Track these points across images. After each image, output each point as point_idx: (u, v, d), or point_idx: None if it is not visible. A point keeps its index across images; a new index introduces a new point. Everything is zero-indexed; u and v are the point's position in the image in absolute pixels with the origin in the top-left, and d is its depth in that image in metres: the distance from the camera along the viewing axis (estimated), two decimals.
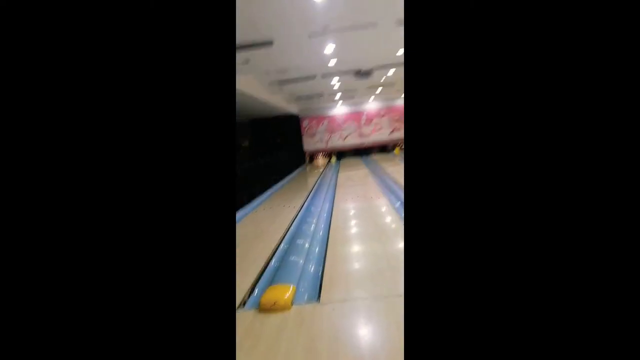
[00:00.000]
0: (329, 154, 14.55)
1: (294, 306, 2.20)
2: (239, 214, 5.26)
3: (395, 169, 8.55)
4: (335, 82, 8.81)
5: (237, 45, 4.73)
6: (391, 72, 8.29)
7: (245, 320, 2.10)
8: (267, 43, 4.75)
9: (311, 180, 9.02)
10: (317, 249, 3.37)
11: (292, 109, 12.39)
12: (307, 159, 14.28)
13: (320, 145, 14.45)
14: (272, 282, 2.65)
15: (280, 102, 10.42)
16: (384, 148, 14.44)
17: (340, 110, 14.22)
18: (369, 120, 14.28)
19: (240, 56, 5.22)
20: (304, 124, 14.30)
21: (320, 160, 14.39)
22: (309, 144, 14.37)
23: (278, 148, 11.69)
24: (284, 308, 2.17)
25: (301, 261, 3.03)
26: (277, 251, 3.43)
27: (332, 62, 6.73)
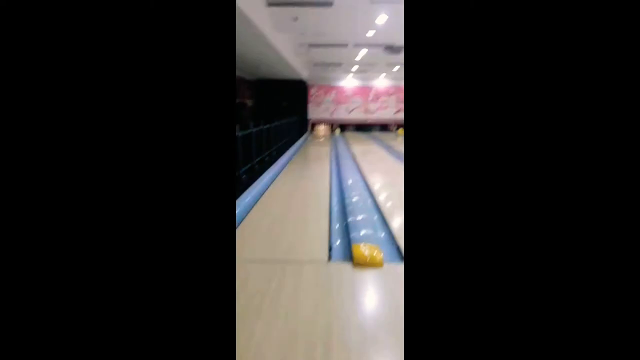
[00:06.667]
0: (331, 126, 14.52)
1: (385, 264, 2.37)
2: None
3: None
4: (362, 54, 8.70)
5: (296, 2, 4.59)
6: None
7: (347, 271, 2.26)
8: (328, 3, 4.63)
9: (324, 150, 9.05)
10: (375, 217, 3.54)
11: (303, 74, 12.13)
12: (310, 128, 14.21)
13: (325, 116, 14.37)
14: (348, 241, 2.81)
15: (298, 66, 10.18)
16: (385, 127, 14.56)
17: (349, 82, 14.07)
18: (377, 97, 14.27)
19: (291, 12, 5.06)
20: (312, 91, 14.09)
21: (322, 131, 14.34)
22: (314, 113, 14.24)
23: (283, 112, 11.51)
24: (377, 265, 2.33)
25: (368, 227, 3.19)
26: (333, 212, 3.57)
27: (370, 33, 6.65)
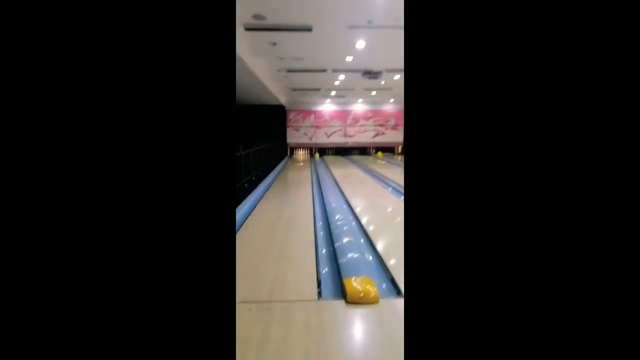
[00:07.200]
0: (311, 150, 14.49)
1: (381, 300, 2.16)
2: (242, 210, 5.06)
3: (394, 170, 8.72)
4: (340, 78, 8.78)
5: (275, 27, 4.54)
6: (397, 76, 8.44)
7: (338, 310, 2.03)
8: (307, 29, 4.61)
9: (305, 174, 8.91)
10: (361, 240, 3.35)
11: (281, 99, 12.14)
12: (289, 153, 14.11)
13: (304, 140, 14.34)
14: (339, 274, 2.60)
15: (276, 91, 10.16)
16: (364, 150, 14.68)
17: (327, 107, 14.21)
18: (355, 121, 14.44)
19: (269, 36, 5.02)
20: (290, 116, 14.09)
21: (301, 155, 14.27)
22: (292, 137, 14.19)
23: (262, 138, 11.36)
24: (372, 301, 2.12)
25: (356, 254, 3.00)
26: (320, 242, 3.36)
27: (349, 59, 6.71)
